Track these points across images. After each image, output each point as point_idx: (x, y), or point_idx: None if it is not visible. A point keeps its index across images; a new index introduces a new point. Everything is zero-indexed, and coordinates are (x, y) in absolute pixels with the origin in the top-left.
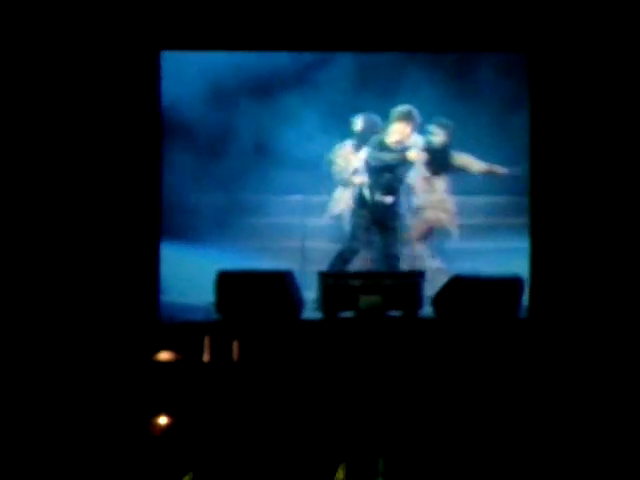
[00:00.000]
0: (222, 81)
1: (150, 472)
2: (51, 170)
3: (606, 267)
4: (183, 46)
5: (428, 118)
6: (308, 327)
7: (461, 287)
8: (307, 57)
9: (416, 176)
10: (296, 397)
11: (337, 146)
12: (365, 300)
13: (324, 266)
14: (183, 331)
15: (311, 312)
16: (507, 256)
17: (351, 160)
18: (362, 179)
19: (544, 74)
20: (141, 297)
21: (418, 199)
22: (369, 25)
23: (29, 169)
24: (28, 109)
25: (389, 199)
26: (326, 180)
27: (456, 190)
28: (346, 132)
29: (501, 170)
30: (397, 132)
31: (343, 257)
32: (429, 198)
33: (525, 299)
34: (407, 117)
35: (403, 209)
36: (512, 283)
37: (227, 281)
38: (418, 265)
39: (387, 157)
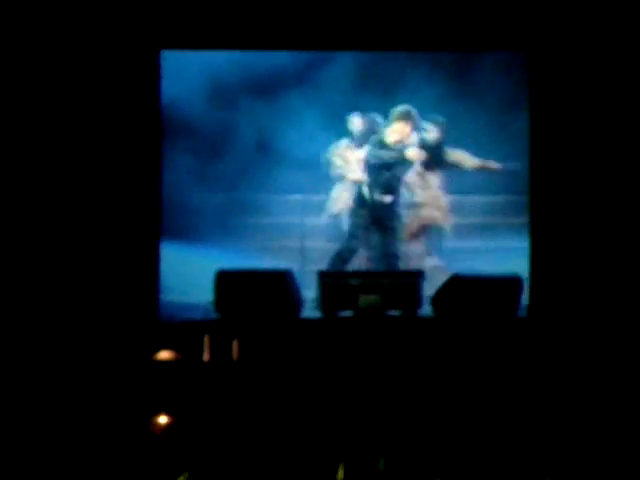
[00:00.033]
0: (223, 80)
1: (150, 471)
2: (51, 170)
3: (606, 266)
4: (183, 45)
5: (427, 117)
6: (307, 326)
7: (460, 286)
8: (308, 56)
9: (411, 173)
10: (296, 396)
11: (334, 144)
12: (364, 299)
13: (323, 265)
14: (183, 330)
15: (310, 311)
16: (507, 255)
17: (348, 158)
18: (360, 176)
19: (544, 73)
20: (141, 296)
21: (412, 196)
22: (369, 24)
23: (29, 168)
24: (28, 108)
25: (388, 198)
26: (325, 179)
27: (456, 189)
28: (346, 131)
29: (495, 165)
30: (397, 132)
31: (342, 256)
32: (423, 194)
33: (525, 298)
34: (406, 117)
35: (401, 207)
36: (511, 282)
37: (226, 280)
38: (415, 263)
39: (386, 155)
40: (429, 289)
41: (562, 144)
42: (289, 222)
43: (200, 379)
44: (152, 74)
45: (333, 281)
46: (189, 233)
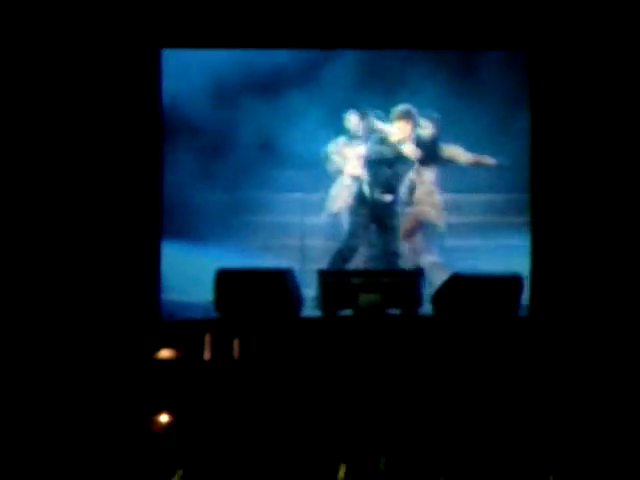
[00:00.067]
0: (224, 79)
1: (151, 469)
2: (52, 169)
3: (607, 265)
4: (184, 44)
5: (421, 113)
6: (307, 325)
7: (460, 285)
8: (309, 55)
9: (412, 171)
10: (296, 395)
11: (332, 142)
12: (364, 298)
13: (324, 264)
14: (184, 329)
15: (310, 310)
16: (508, 254)
17: (346, 155)
18: (359, 172)
19: (545, 72)
20: (142, 295)
21: (410, 193)
22: (371, 23)
23: (30, 168)
24: (29, 107)
25: (388, 197)
26: (326, 178)
27: (457, 188)
28: (344, 129)
29: (489, 161)
30: (399, 131)
31: (343, 255)
32: (417, 190)
33: (526, 297)
34: (407, 116)
35: (401, 206)
36: (512, 281)
37: (226, 279)
38: (411, 260)
39: (386, 151)
40: (427, 286)
41: (563, 143)
42: (289, 221)
43: (201, 378)
44: (153, 73)
45: (333, 280)
46: (190, 232)
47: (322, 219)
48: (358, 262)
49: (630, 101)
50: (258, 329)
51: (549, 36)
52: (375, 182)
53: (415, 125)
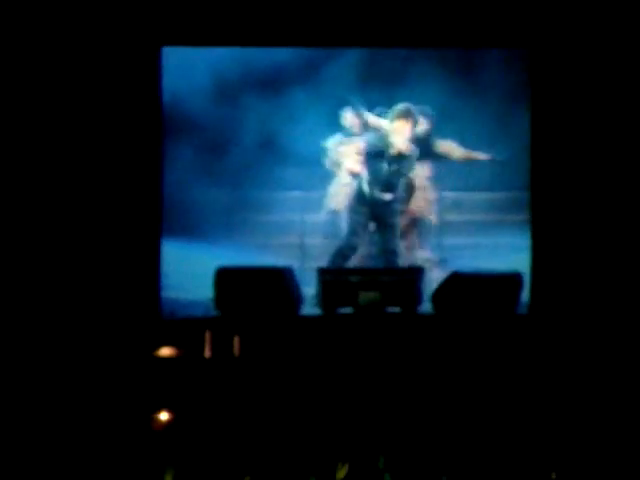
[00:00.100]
0: (224, 77)
1: (151, 467)
2: (52, 167)
3: (607, 263)
4: (185, 42)
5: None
6: (307, 323)
7: (460, 283)
8: (310, 53)
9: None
10: (296, 392)
11: (330, 139)
12: (364, 296)
13: (323, 262)
14: (184, 327)
15: (310, 308)
16: (508, 252)
17: (344, 151)
18: (357, 168)
19: (545, 69)
20: (142, 293)
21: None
22: (371, 21)
23: (30, 165)
24: (28, 105)
25: (388, 196)
26: (326, 176)
27: (456, 186)
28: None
29: (482, 156)
30: (398, 130)
31: (343, 253)
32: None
33: (526, 296)
34: (406, 115)
35: (400, 204)
36: (511, 279)
37: (226, 277)
38: (406, 257)
39: (383, 148)
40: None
41: (563, 140)
42: (289, 219)
43: (201, 375)
44: (153, 71)
45: (333, 278)
46: (190, 230)
47: (322, 217)
48: (356, 260)
49: (630, 99)
50: (258, 327)
51: (550, 33)
52: (374, 180)
53: (415, 124)
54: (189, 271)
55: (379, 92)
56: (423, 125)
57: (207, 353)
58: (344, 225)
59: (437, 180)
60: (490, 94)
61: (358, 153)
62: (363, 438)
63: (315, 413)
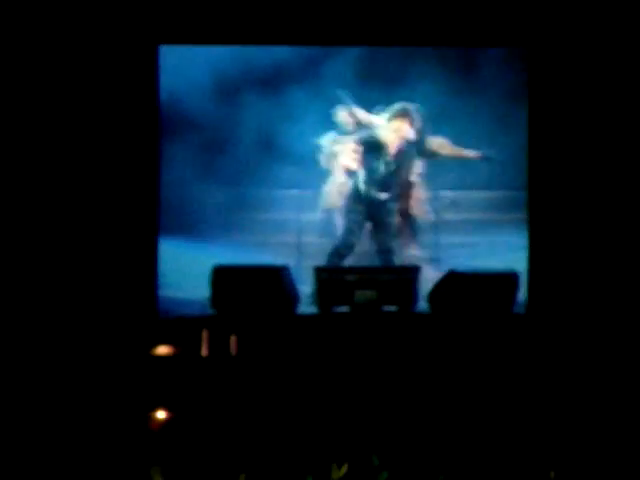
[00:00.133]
0: (222, 75)
1: (147, 465)
2: (49, 166)
3: (605, 262)
4: (182, 40)
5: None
6: (303, 322)
7: (456, 282)
8: (309, 51)
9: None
10: (292, 391)
11: (323, 137)
12: (360, 295)
13: (320, 261)
14: (181, 326)
15: (306, 307)
16: (505, 251)
17: (338, 149)
18: (353, 165)
19: (543, 68)
20: (139, 292)
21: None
22: (371, 20)
23: (26, 164)
24: (25, 104)
25: (384, 195)
26: (322, 175)
27: (454, 185)
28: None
29: (472, 154)
30: (395, 130)
31: (340, 252)
32: (405, 185)
33: (523, 295)
34: (403, 114)
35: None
36: (508, 278)
37: (223, 276)
38: (399, 255)
39: (378, 146)
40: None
41: (561, 140)
42: (286, 218)
43: (198, 374)
44: (150, 70)
45: (329, 277)
46: (187, 229)
47: (318, 216)
48: (353, 259)
49: (629, 98)
50: (255, 325)
51: (548, 32)
52: (370, 180)
53: (412, 123)
54: (186, 270)
55: (378, 91)
56: (415, 123)
57: (204, 352)
58: (340, 224)
59: (433, 178)
60: (488, 93)
61: (353, 150)
62: (360, 437)
63: (312, 412)
